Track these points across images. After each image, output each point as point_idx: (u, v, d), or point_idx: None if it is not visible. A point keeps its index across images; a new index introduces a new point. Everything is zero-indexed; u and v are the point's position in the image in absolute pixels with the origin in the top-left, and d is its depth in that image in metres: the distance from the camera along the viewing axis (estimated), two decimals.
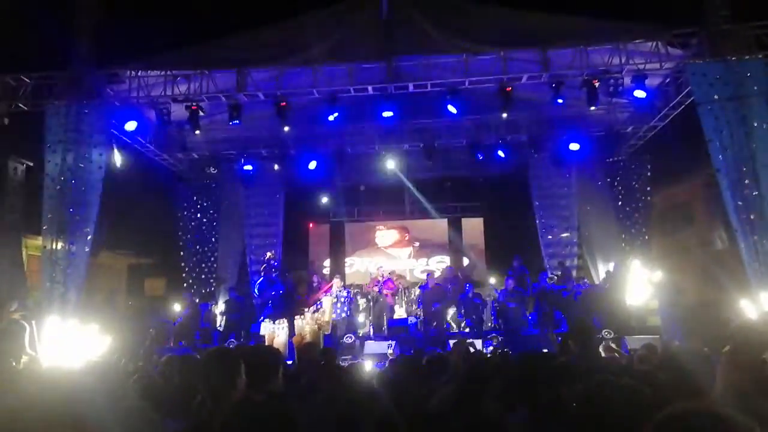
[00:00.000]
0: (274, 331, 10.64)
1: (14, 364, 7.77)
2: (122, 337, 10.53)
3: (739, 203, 9.07)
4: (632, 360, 5.77)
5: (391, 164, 14.05)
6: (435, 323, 11.87)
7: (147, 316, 12.87)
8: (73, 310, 9.72)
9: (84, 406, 3.13)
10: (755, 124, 9.04)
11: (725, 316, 8.71)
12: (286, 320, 10.93)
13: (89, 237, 10.11)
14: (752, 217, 8.88)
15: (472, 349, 7.86)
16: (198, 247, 15.20)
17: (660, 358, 5.65)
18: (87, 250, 10.12)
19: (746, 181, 9.04)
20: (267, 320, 11.40)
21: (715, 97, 9.25)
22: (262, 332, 11.13)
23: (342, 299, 11.75)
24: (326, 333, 11.05)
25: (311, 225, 17.86)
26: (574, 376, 2.84)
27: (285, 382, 3.30)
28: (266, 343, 10.77)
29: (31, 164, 13.07)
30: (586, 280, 12.93)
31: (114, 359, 8.50)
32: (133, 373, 5.29)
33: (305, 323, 10.82)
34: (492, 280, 14.97)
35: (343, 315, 11.74)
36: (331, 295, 11.88)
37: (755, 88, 9.11)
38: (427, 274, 13.90)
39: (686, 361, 3.17)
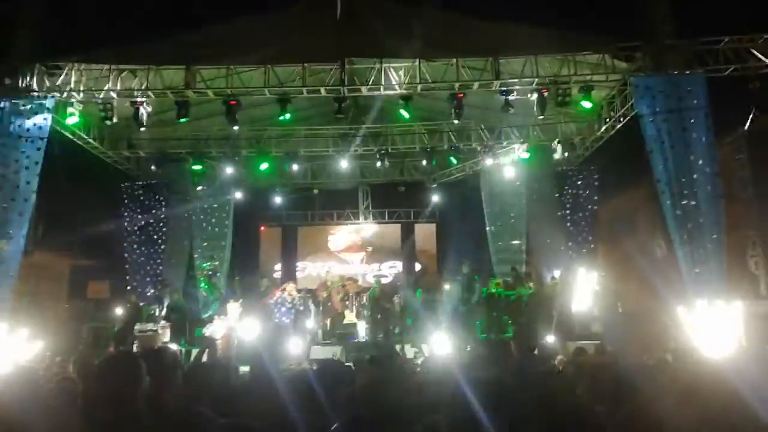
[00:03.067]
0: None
1: None
2: (57, 340, 10.08)
3: (678, 213, 9.36)
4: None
5: (344, 167, 13.98)
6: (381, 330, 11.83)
7: (84, 319, 12.34)
8: (3, 314, 9.22)
9: (7, 410, 2.95)
10: (695, 136, 9.37)
11: (662, 323, 8.98)
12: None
13: (23, 235, 9.63)
14: (689, 226, 9.18)
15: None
16: (143, 248, 14.70)
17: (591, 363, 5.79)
18: (21, 249, 9.64)
19: (685, 192, 9.35)
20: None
21: (657, 109, 9.55)
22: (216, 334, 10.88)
23: (286, 304, 11.45)
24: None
25: (262, 228, 17.58)
26: None
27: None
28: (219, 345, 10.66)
29: None
30: (531, 284, 13.13)
31: (43, 364, 8.11)
32: (57, 377, 5.05)
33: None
34: (446, 286, 15.05)
35: (285, 320, 11.42)
36: (273, 300, 11.60)
37: (695, 101, 9.44)
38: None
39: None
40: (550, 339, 10.35)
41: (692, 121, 9.43)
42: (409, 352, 10.62)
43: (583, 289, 11.87)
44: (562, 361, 6.52)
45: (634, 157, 11.62)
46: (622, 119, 11.74)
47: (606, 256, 14.00)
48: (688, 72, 9.72)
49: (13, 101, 9.93)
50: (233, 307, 11.36)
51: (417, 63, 10.44)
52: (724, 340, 8.29)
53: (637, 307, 11.96)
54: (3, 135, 9.75)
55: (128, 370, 2.53)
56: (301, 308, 11.73)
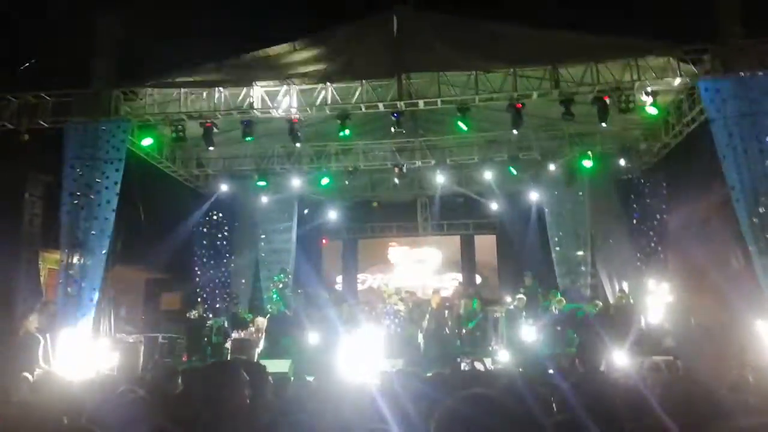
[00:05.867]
0: None
1: (28, 376, 7.89)
2: (135, 350, 10.66)
3: (755, 221, 8.91)
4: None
5: (403, 180, 14.10)
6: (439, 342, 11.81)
7: (159, 329, 12.97)
8: (88, 324, 9.86)
9: (85, 416, 3.21)
10: None
11: (739, 338, 8.52)
12: None
13: (105, 251, 10.29)
14: None
15: (481, 367, 7.81)
16: (212, 261, 15.33)
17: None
18: (103, 264, 10.30)
19: (761, 199, 8.89)
20: None
21: (728, 113, 9.15)
22: None
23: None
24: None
25: (324, 241, 17.93)
26: None
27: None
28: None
29: (50, 179, 13.37)
30: (598, 302, 12.72)
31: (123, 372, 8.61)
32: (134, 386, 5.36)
33: None
34: (507, 299, 14.83)
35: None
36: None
37: None
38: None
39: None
40: (619, 355, 10.00)
41: (765, 124, 8.99)
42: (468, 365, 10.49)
43: (654, 301, 11.42)
44: (632, 376, 6.31)
45: (705, 164, 11.10)
46: (690, 124, 11.27)
47: (677, 268, 13.38)
48: (759, 73, 9.26)
49: (94, 125, 10.68)
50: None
51: (474, 75, 10.45)
52: None
53: (713, 321, 11.36)
54: (86, 158, 10.48)
55: (232, 379, 2.69)
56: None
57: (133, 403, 3.98)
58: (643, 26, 10.57)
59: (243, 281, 15.47)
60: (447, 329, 11.97)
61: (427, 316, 12.20)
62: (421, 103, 10.88)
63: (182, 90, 11.11)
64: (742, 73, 9.24)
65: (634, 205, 13.79)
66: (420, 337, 12.13)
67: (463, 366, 7.84)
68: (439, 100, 10.74)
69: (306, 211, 16.05)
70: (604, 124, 10.74)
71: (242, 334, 12.13)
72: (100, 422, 3.12)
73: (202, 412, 2.79)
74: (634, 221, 13.70)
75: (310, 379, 6.21)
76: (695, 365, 8.63)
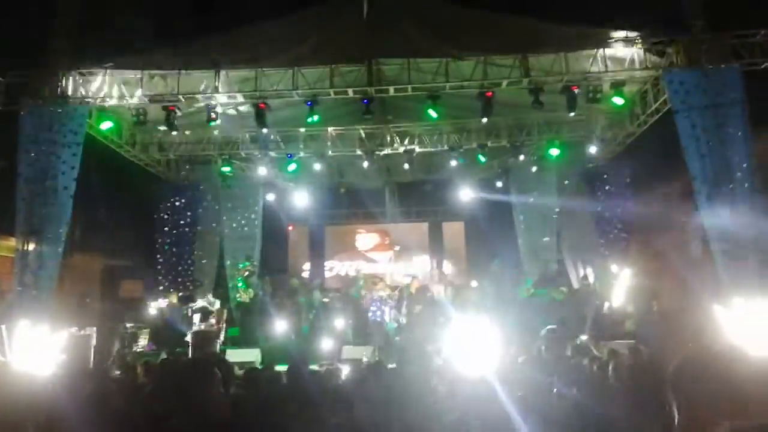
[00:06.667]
0: None
1: None
2: (96, 339, 10.32)
3: (715, 209, 9.18)
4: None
5: (370, 166, 14.01)
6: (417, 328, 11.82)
7: (120, 318, 12.59)
8: (45, 314, 9.49)
9: (49, 409, 3.06)
10: (731, 131, 9.18)
11: (699, 321, 8.82)
12: None
13: (62, 239, 9.90)
14: (726, 222, 8.99)
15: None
16: (175, 249, 14.95)
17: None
18: (60, 251, 9.91)
19: (721, 188, 9.17)
20: None
21: (692, 104, 9.37)
22: None
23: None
24: None
25: (290, 227, 17.73)
26: None
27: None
28: None
29: (4, 164, 12.75)
30: (563, 288, 12.97)
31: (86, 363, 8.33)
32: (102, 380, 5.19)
33: None
34: (473, 284, 14.99)
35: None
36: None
37: (731, 96, 9.25)
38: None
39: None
40: (583, 339, 10.23)
41: (728, 116, 9.24)
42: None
43: (616, 286, 11.71)
44: (596, 361, 6.46)
45: (668, 153, 11.41)
46: (654, 114, 11.52)
47: (639, 253, 13.78)
48: (722, 66, 9.49)
49: (50, 108, 10.21)
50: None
51: (445, 62, 10.39)
52: (763, 339, 8.10)
53: (673, 305, 11.75)
54: (41, 142, 10.01)
55: (206, 377, 2.62)
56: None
57: (100, 398, 3.84)
58: (610, 17, 10.64)
59: (207, 269, 15.15)
60: (421, 317, 12.00)
61: (405, 302, 12.22)
62: (391, 89, 10.77)
63: (142, 72, 10.69)
64: (705, 66, 9.44)
65: (599, 193, 14.08)
66: (390, 326, 12.14)
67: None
68: (409, 87, 10.65)
69: (272, 197, 15.78)
70: (572, 114, 10.86)
71: (203, 326, 11.87)
72: (66, 417, 3.00)
73: (175, 409, 2.70)
74: (599, 208, 13.99)
75: (280, 368, 6.15)
76: (656, 348, 8.89)
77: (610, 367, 5.56)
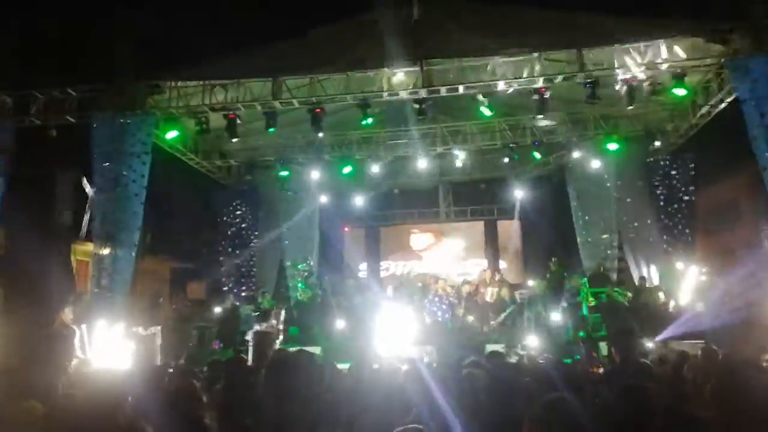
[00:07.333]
0: None
1: (66, 366, 8.11)
2: (167, 340, 10.85)
3: None
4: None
5: (424, 166, 14.07)
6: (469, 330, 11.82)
7: (192, 319, 13.17)
8: (120, 314, 10.07)
9: (127, 405, 3.30)
10: None
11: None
12: None
13: (135, 243, 10.47)
14: None
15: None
16: (237, 251, 15.50)
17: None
18: (133, 255, 10.48)
19: None
20: None
21: (759, 93, 8.94)
22: None
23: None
24: None
25: (346, 229, 18.00)
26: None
27: None
28: None
29: (80, 174, 13.61)
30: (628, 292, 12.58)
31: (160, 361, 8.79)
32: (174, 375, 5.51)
33: None
34: (530, 283, 14.78)
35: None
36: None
37: None
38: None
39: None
40: (650, 341, 9.91)
41: None
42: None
43: (683, 285, 11.29)
44: (665, 361, 6.28)
45: (734, 144, 10.92)
46: (719, 104, 11.04)
47: (705, 250, 13.21)
48: None
49: (120, 120, 10.81)
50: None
51: (497, 59, 10.33)
52: None
53: (746, 303, 11.21)
54: (113, 152, 10.61)
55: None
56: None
57: (183, 395, 4.08)
58: (669, 6, 10.30)
59: (267, 270, 15.63)
60: (474, 317, 11.97)
61: (463, 302, 12.24)
62: (443, 89, 10.80)
63: (204, 82, 11.16)
64: None
65: (661, 188, 13.59)
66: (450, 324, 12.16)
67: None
68: (461, 87, 10.65)
69: (328, 200, 16.10)
70: (630, 107, 10.57)
71: (263, 326, 12.24)
72: (148, 414, 3.22)
73: (275, 406, 2.84)
74: (661, 203, 13.51)
75: (342, 366, 6.30)
76: (730, 349, 8.53)
77: (684, 369, 5.40)
